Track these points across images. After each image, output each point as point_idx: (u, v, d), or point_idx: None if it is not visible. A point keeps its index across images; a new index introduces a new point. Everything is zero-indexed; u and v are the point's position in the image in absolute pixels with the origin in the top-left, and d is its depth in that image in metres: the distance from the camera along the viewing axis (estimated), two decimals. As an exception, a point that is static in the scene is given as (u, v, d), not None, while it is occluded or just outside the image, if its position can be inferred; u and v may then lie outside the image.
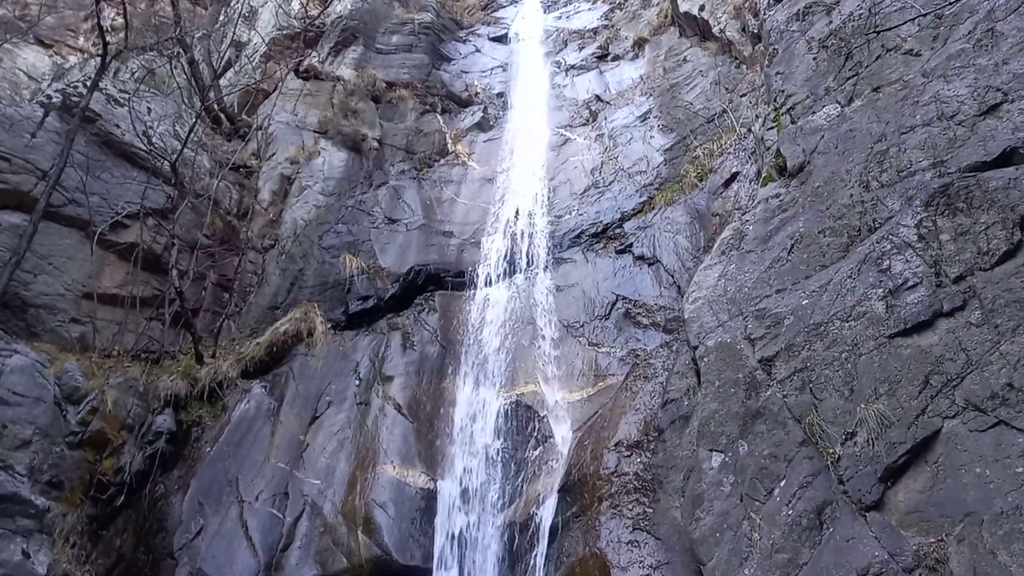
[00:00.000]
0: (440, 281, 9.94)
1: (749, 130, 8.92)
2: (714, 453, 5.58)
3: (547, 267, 9.65)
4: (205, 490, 7.45)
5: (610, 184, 10.34)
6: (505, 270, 9.79)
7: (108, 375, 7.83)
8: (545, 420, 7.76)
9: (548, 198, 10.67)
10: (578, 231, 9.91)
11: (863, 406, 4.75)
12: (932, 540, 4.11)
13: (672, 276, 8.55)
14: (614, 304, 8.73)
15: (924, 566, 4.06)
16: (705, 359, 6.03)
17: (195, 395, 8.41)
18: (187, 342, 9.02)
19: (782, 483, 4.99)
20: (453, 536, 7.01)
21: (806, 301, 5.59)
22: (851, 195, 5.93)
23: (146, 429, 7.79)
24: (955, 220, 5.11)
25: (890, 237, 5.34)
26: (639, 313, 8.51)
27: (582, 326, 8.71)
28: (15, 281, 8.02)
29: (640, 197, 9.86)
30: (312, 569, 6.83)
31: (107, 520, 7.42)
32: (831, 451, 4.79)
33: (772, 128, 7.63)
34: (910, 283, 5.03)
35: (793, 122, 7.24)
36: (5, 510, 6.62)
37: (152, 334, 8.90)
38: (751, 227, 6.70)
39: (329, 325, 9.41)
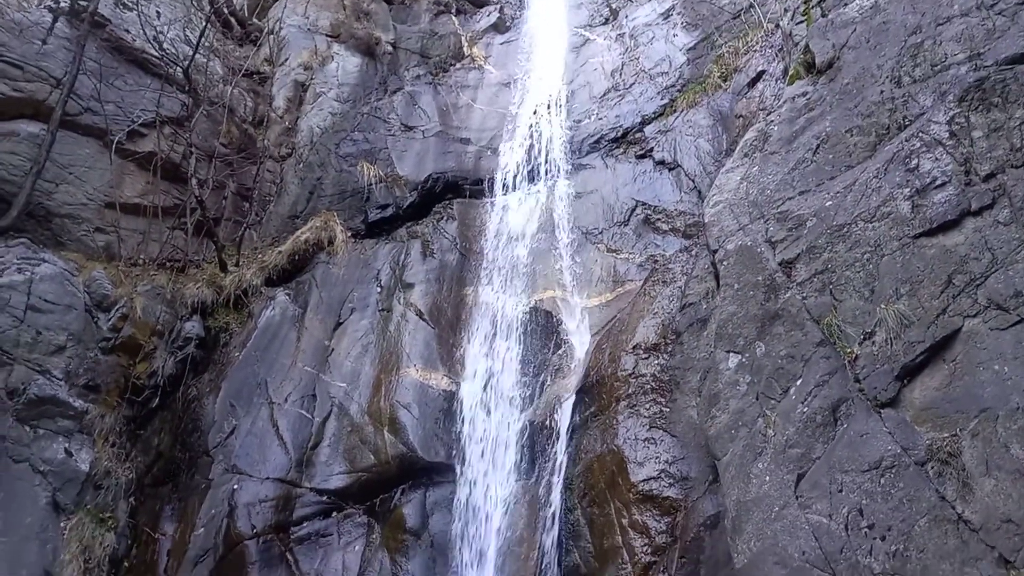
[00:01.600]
0: (458, 189, 9.89)
1: (777, 25, 8.55)
2: (731, 354, 5.64)
3: (566, 173, 9.54)
4: (236, 392, 7.72)
5: (631, 86, 10.06)
6: (523, 177, 9.69)
7: (135, 283, 7.99)
8: (564, 325, 7.86)
9: (567, 102, 10.42)
10: (597, 136, 9.73)
11: (883, 306, 4.74)
12: (946, 435, 4.18)
13: (693, 181, 8.43)
14: (633, 210, 8.67)
15: (936, 459, 4.15)
16: (724, 262, 6.00)
17: (221, 302, 8.59)
18: (210, 251, 9.14)
19: (798, 382, 5.06)
20: (476, 435, 7.25)
21: (830, 202, 5.50)
22: (881, 92, 5.72)
23: (176, 335, 8.01)
24: (989, 116, 4.94)
25: (920, 135, 5.18)
26: (658, 219, 8.45)
27: (601, 232, 8.68)
28: (38, 191, 8.10)
29: (662, 100, 9.61)
30: (341, 465, 7.13)
31: (144, 421, 7.75)
32: (849, 351, 4.82)
33: (801, 22, 7.31)
34: (938, 182, 4.92)
35: (824, 15, 6.92)
36: (46, 412, 6.93)
37: (176, 243, 9.01)
38: (776, 127, 6.52)
39: (349, 234, 9.48)
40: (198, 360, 8.10)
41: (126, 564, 7.01)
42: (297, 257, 9.15)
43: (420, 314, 8.31)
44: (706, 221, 6.46)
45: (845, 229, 5.26)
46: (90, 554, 6.60)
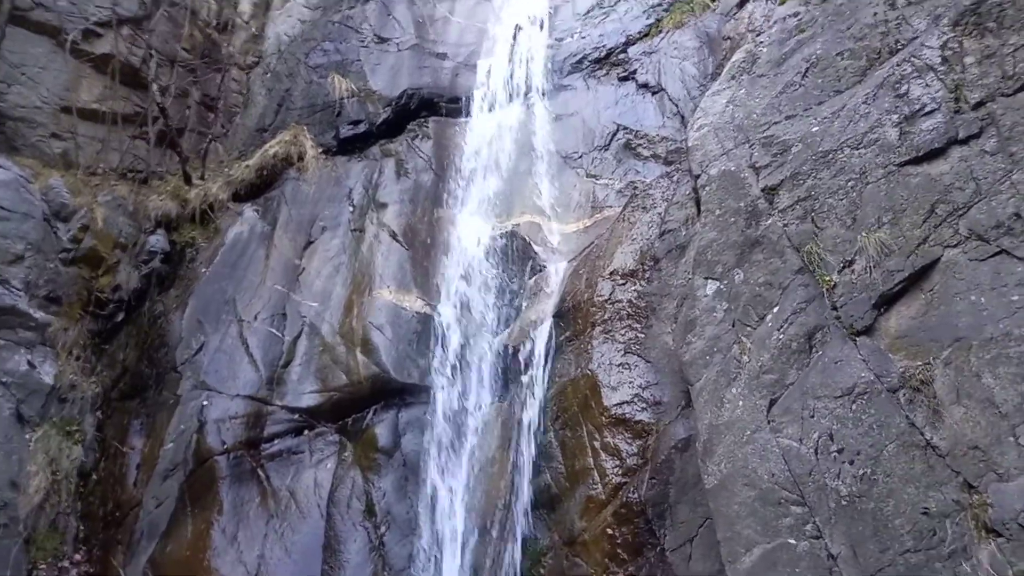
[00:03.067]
0: (434, 107, 9.54)
1: (770, -56, 8.23)
2: (709, 281, 5.62)
3: (546, 94, 9.25)
4: (203, 309, 7.55)
5: (616, 4, 9.68)
6: (502, 97, 9.38)
7: (96, 193, 7.69)
8: (540, 250, 7.76)
9: (549, 19, 10.01)
10: (580, 56, 9.40)
11: (864, 235, 4.72)
12: (919, 363, 4.23)
13: (676, 105, 8.24)
14: (614, 134, 8.48)
15: (908, 387, 4.21)
16: (707, 188, 5.91)
17: (186, 217, 8.32)
18: (174, 163, 8.79)
19: (775, 309, 5.06)
20: (449, 358, 7.22)
21: (816, 128, 5.40)
22: (875, 13, 5.56)
23: (139, 248, 7.77)
24: (983, 41, 4.83)
25: (912, 59, 5.06)
26: (640, 144, 8.28)
27: (580, 157, 8.51)
28: (-12, 92, 7.65)
29: (647, 19, 9.27)
30: (313, 384, 7.08)
31: (109, 335, 7.59)
32: (827, 279, 4.81)
33: (797, -60, 7.02)
34: (927, 108, 4.83)
35: (821, -67, 6.65)
36: (5, 322, 6.73)
37: (137, 153, 8.65)
38: (765, 49, 6.33)
39: (320, 150, 9.16)
40: (163, 275, 7.89)
41: (95, 476, 6.97)
42: (265, 172, 8.84)
43: (394, 235, 8.14)
44: (689, 145, 6.33)
45: (830, 156, 5.18)
46: (57, 466, 6.54)
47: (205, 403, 6.96)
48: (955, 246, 4.39)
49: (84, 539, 6.69)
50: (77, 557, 6.55)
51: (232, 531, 6.36)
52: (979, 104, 4.67)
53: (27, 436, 6.59)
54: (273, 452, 6.81)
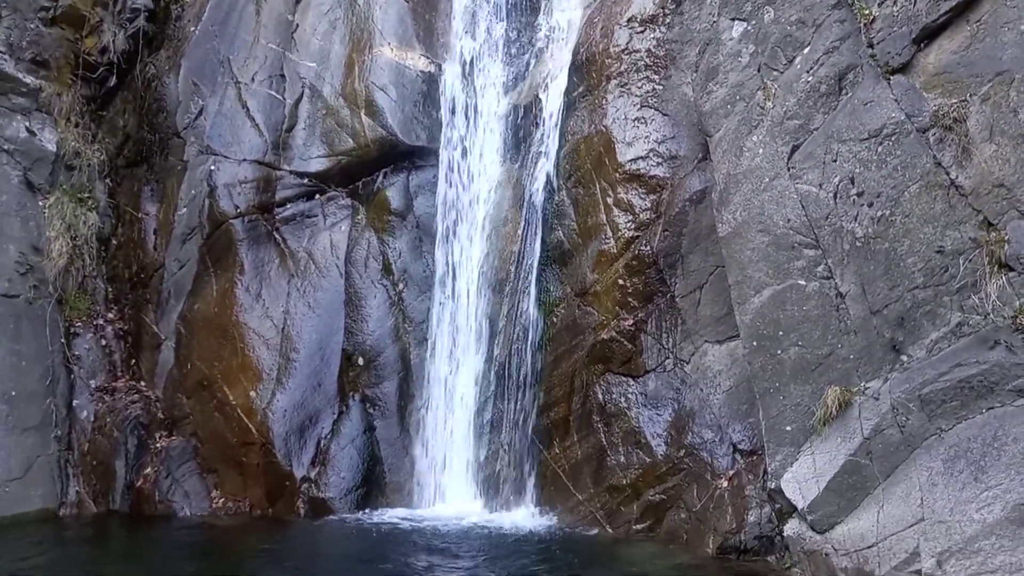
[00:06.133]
0: None
1: None
2: (736, 22, 5.25)
3: None
4: (197, 70, 7.18)
5: None
6: None
7: (63, -59, 6.99)
8: (552, -1, 7.18)
9: None
10: None
11: (914, -40, 4.28)
12: (954, 100, 4.03)
13: None
14: None
15: (940, 126, 4.04)
16: (740, -86, 5.30)
17: (164, -30, 7.63)
18: (142, -94, 7.88)
19: (806, 50, 4.76)
20: (457, 118, 6.99)
21: None
22: None
23: (121, 6, 7.22)
24: None
25: None
26: None
27: None
28: None
29: None
30: (320, 148, 6.93)
31: (104, 101, 7.34)
32: (866, 12, 4.45)
33: None
34: None
35: None
36: (-4, 88, 6.47)
37: None
38: None
39: None
40: (151, 35, 7.40)
41: (114, 242, 7.10)
42: (243, -87, 7.94)
43: (391, -16, 7.50)
44: None
45: None
46: (75, 232, 6.63)
47: (213, 168, 6.87)
48: (1013, -31, 3.98)
49: (114, 299, 6.98)
50: (110, 315, 6.87)
51: (256, 289, 6.59)
52: None
53: (40, 203, 6.61)
54: (287, 216, 6.85)
